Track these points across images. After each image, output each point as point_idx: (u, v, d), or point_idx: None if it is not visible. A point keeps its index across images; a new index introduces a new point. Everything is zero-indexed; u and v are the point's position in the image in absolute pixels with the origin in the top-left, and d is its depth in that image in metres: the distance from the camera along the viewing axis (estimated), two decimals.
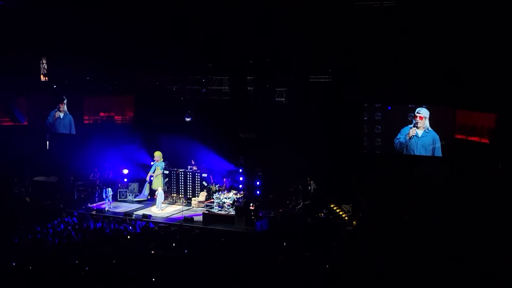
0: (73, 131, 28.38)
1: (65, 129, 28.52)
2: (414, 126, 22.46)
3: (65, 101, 28.43)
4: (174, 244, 19.40)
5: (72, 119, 28.36)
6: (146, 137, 27.93)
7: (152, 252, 18.64)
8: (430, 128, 22.26)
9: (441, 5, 20.60)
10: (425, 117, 22.29)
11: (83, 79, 27.97)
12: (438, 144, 22.11)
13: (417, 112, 22.41)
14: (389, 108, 23.11)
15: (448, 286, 14.04)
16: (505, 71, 19.44)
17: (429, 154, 22.29)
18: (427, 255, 16.12)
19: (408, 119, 22.62)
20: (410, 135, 22.53)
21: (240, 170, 25.55)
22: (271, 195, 25.66)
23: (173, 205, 25.96)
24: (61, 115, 28.49)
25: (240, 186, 25.21)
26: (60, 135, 28.56)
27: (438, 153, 22.15)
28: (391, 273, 15.20)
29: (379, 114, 23.32)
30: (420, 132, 22.41)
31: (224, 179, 26.14)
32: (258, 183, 24.88)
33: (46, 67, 27.44)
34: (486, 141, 20.62)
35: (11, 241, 19.37)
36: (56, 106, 28.57)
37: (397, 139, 22.86)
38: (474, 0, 19.84)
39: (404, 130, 22.72)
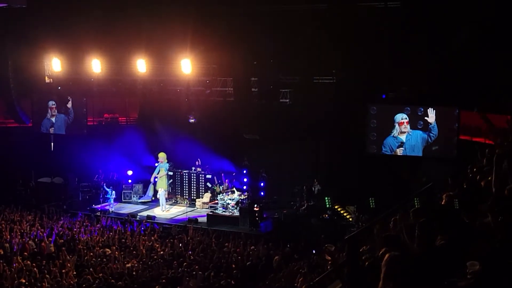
0: (63, 131, 28.07)
1: (60, 130, 28.12)
2: (401, 132, 22.32)
3: (54, 104, 28.02)
4: (180, 245, 19.45)
5: (64, 118, 27.84)
6: (150, 138, 27.95)
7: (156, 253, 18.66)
8: (411, 130, 22.24)
9: (444, 6, 20.51)
10: (409, 121, 22.25)
11: (87, 80, 27.91)
12: (420, 144, 22.09)
13: (402, 118, 22.24)
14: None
15: (448, 286, 13.94)
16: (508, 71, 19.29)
17: (418, 154, 22.25)
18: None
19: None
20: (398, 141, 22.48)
21: (245, 171, 25.52)
22: (275, 196, 25.65)
23: (177, 206, 25.95)
24: (53, 119, 28.06)
25: (244, 187, 25.18)
26: (64, 137, 28.47)
27: (419, 152, 22.16)
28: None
29: (374, 121, 23.06)
30: (404, 136, 22.33)
31: (227, 180, 26.11)
32: (262, 184, 24.86)
33: (50, 68, 27.37)
34: (491, 142, 20.47)
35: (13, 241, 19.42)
36: (46, 112, 28.16)
37: (384, 152, 22.71)
38: (477, 1, 19.73)
39: (386, 142, 22.59)
